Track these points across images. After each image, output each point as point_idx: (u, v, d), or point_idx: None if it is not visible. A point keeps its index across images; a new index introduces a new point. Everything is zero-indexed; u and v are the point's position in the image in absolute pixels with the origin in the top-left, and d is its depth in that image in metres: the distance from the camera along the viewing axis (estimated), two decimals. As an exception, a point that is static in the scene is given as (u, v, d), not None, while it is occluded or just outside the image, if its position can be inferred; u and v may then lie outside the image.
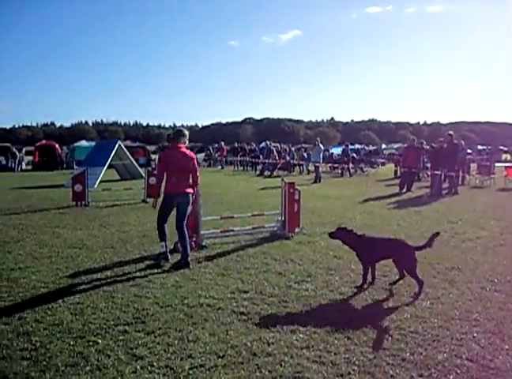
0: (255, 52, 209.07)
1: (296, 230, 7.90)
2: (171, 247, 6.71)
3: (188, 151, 6.28)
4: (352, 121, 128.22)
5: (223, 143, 34.05)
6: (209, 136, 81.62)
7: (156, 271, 5.76)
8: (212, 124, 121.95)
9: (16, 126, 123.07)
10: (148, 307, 4.50)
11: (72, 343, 3.75)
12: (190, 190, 6.21)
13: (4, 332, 3.96)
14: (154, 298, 4.75)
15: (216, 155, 33.91)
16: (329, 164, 26.39)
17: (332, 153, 31.56)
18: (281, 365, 3.37)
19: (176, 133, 6.39)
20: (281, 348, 3.63)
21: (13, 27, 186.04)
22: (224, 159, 32.25)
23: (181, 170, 6.12)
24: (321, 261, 6.23)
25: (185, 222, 6.21)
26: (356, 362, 3.41)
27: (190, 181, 6.24)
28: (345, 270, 5.79)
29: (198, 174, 6.34)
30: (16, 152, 31.81)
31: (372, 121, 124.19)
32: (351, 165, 23.83)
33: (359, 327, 4.04)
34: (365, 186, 16.11)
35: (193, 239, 6.89)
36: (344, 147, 26.10)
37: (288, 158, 25.78)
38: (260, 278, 5.47)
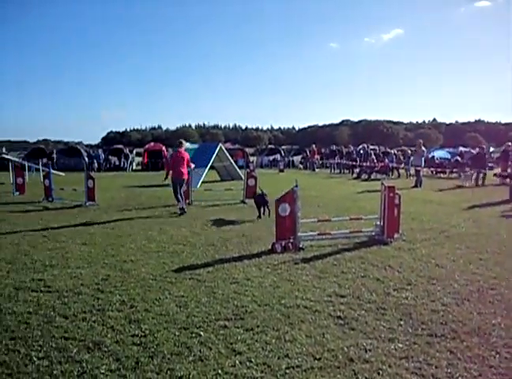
0: (356, 53, 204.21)
1: (395, 235, 7.66)
2: (269, 247, 7.01)
3: (184, 153, 11.44)
4: (457, 122, 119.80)
5: (314, 145, 33.80)
6: (306, 139, 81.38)
7: (254, 270, 5.94)
8: (309, 126, 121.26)
9: (128, 130, 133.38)
10: (246, 304, 4.67)
11: (177, 333, 4.01)
12: (184, 176, 11.13)
13: (118, 318, 4.35)
14: (252, 296, 4.91)
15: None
16: (432, 169, 25.11)
17: (433, 156, 29.89)
18: (379, 374, 3.31)
19: (179, 143, 11.91)
20: (379, 356, 3.57)
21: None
22: (316, 162, 32.04)
23: (179, 164, 11.07)
24: (421, 269, 5.99)
25: (182, 190, 11.15)
26: (459, 378, 3.25)
27: (184, 170, 11.15)
28: (448, 280, 5.51)
29: (190, 164, 11.49)
30: (129, 154, 34.58)
31: (478, 122, 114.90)
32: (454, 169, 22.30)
33: (462, 341, 3.84)
34: (470, 191, 15.11)
35: (291, 241, 6.99)
36: (478, 149, 22.64)
37: (386, 161, 24.98)
38: (357, 283, 5.41)
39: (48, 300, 4.82)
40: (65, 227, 9.11)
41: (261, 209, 10.13)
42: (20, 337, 3.92)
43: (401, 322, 4.24)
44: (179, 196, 10.91)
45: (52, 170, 15.14)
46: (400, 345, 3.76)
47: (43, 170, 20.40)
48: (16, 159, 27.03)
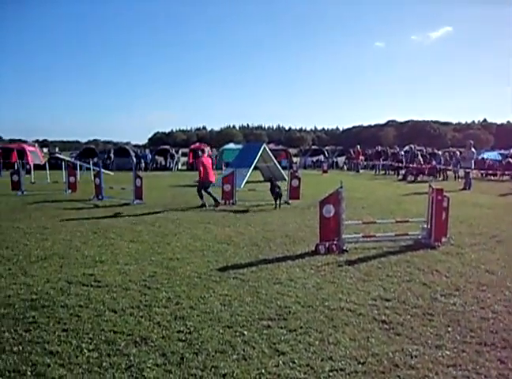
0: (402, 52, 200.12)
1: (443, 239, 7.45)
2: (313, 248, 7.00)
3: (209, 158, 14.04)
4: (509, 122, 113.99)
5: (358, 146, 33.26)
6: (350, 140, 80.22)
7: (297, 271, 5.94)
8: (354, 127, 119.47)
9: (174, 130, 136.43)
10: (290, 305, 4.67)
11: (221, 331, 4.06)
12: (212, 178, 12.44)
13: (164, 314, 4.46)
14: (296, 298, 4.91)
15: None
16: (482, 171, 24.19)
17: (483, 158, 28.76)
18: (425, 381, 3.24)
19: (201, 150, 14.04)
20: (425, 363, 3.48)
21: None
22: (361, 163, 31.57)
23: (210, 168, 12.53)
24: (470, 275, 5.79)
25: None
26: (512, 389, 3.13)
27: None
28: (499, 286, 5.31)
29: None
30: (174, 154, 35.34)
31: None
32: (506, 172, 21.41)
33: (515, 351, 3.69)
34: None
35: (335, 242, 6.93)
36: None
37: (433, 163, 24.27)
38: (403, 287, 5.30)
39: (98, 294, 5.00)
40: (114, 225, 9.41)
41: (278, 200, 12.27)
42: (72, 329, 4.09)
43: (449, 329, 4.12)
44: (206, 193, 12.32)
45: (102, 170, 15.66)
46: (448, 352, 3.66)
47: (93, 170, 21.16)
48: (69, 159, 28.19)
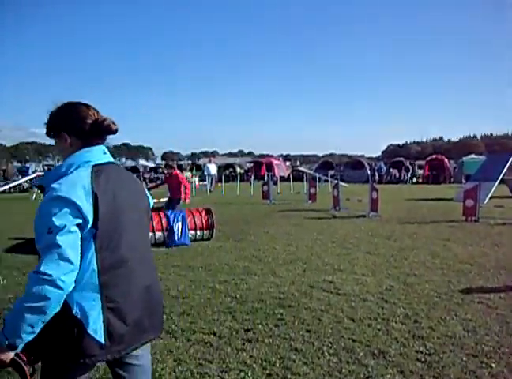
0: None
1: None
2: None
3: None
4: None
5: None
6: None
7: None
8: None
9: (408, 142, 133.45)
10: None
11: (464, 358, 3.78)
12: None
13: (401, 330, 4.39)
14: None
15: None
16: None
17: None
18: None
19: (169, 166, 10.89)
20: None
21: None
22: None
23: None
24: None
25: None
26: None
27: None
28: None
29: None
30: (409, 166, 34.52)
31: None
32: None
33: None
34: None
35: None
36: None
37: None
38: None
39: (337, 302, 5.26)
40: (351, 235, 9.71)
41: None
42: (314, 331, 4.39)
43: None
44: None
45: (340, 182, 16.34)
46: None
47: (331, 182, 22.24)
48: (309, 171, 30.30)
